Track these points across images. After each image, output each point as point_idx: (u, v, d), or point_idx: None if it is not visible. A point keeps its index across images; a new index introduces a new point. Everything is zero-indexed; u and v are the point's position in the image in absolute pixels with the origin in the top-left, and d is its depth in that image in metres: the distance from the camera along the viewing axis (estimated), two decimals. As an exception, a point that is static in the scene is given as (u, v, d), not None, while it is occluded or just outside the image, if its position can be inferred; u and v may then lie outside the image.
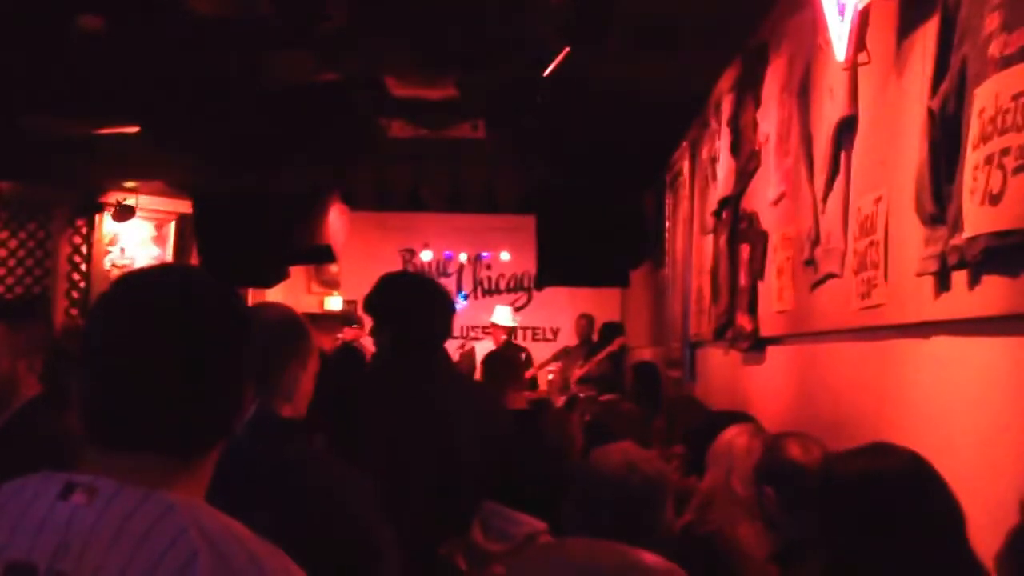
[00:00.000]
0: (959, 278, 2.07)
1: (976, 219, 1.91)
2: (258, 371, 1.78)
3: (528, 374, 8.43)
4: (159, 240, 9.37)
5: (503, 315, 9.14)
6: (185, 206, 8.87)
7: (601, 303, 9.58)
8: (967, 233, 1.95)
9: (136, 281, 1.16)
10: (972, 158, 1.94)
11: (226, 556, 0.99)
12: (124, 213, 8.79)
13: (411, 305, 2.79)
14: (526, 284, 10.51)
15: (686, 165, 6.20)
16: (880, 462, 1.70)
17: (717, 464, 2.70)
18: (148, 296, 1.12)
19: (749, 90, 4.35)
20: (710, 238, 5.24)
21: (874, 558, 1.61)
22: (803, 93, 3.43)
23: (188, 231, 9.02)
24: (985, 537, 1.60)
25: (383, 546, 1.81)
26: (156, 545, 0.97)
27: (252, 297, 8.62)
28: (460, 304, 9.95)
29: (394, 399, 2.72)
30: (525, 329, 10.38)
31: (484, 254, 10.76)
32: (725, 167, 4.82)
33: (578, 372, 8.30)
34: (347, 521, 1.77)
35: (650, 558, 1.15)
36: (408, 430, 2.65)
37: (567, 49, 4.48)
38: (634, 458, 1.98)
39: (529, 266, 9.47)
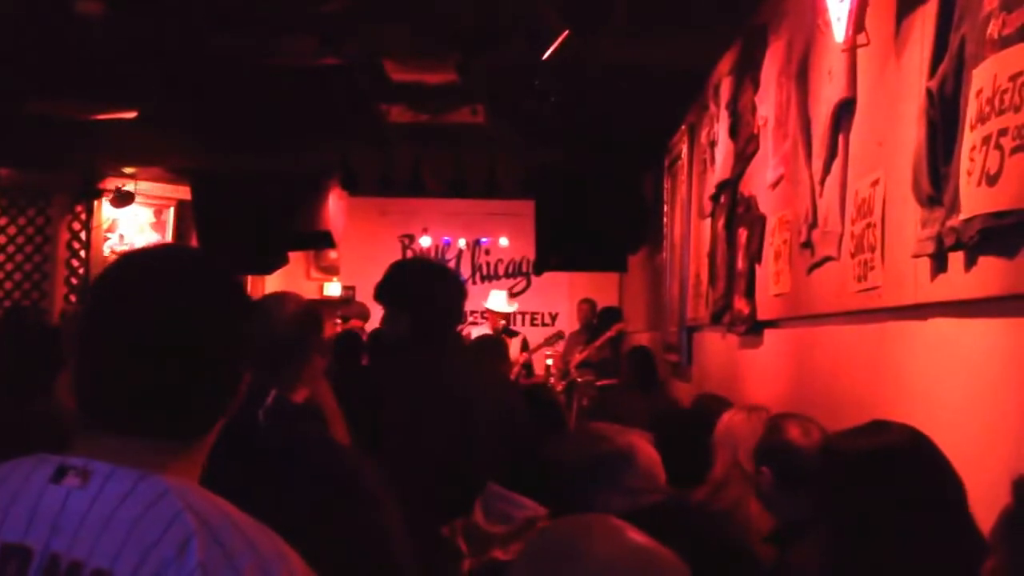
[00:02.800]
0: (956, 259, 2.07)
1: (973, 200, 1.91)
2: (279, 361, 1.82)
3: (523, 359, 8.46)
4: (158, 226, 9.36)
5: (498, 300, 9.14)
6: (184, 192, 8.86)
7: (599, 288, 9.58)
8: (964, 214, 1.95)
9: (134, 261, 1.15)
10: (970, 139, 1.94)
11: (221, 539, 0.98)
12: (123, 199, 8.78)
13: (427, 289, 2.81)
14: (525, 269, 10.52)
15: (684, 149, 6.18)
16: (880, 438, 1.72)
17: (723, 447, 2.71)
18: (146, 277, 1.11)
19: (748, 73, 4.34)
20: (708, 222, 5.23)
21: (881, 534, 1.62)
22: (802, 75, 3.42)
23: (187, 217, 9.01)
24: (980, 518, 1.61)
25: (392, 528, 1.83)
26: (151, 528, 0.97)
27: (252, 284, 8.63)
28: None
29: (413, 383, 2.74)
30: (524, 314, 10.39)
31: (483, 239, 10.76)
32: (723, 151, 4.82)
33: (578, 357, 8.31)
34: (357, 502, 1.79)
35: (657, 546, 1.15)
36: (427, 413, 2.67)
37: (567, 32, 4.47)
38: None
39: (528, 251, 9.46)
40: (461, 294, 2.90)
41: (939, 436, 1.78)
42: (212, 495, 1.04)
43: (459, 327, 3.00)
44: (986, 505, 1.61)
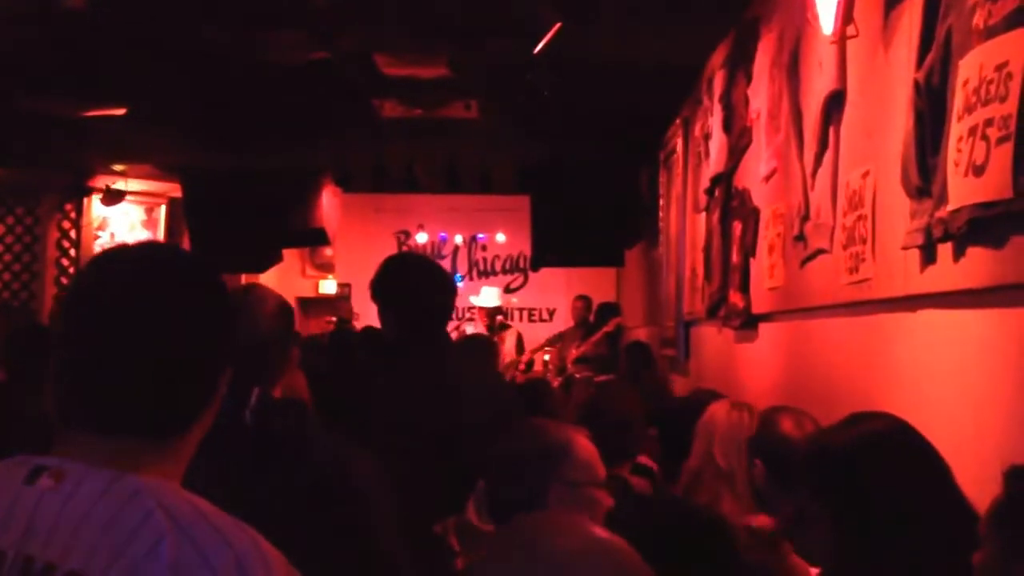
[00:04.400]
0: (944, 250, 2.07)
1: (960, 191, 1.90)
2: (264, 360, 1.82)
3: (524, 358, 8.44)
4: (149, 224, 9.30)
5: (487, 296, 9.06)
6: (176, 189, 8.81)
7: (596, 283, 9.57)
8: (952, 205, 1.95)
9: (109, 259, 1.14)
10: (956, 129, 1.93)
11: (194, 537, 0.97)
12: (112, 197, 8.72)
13: (412, 286, 2.80)
14: (522, 265, 10.50)
15: (679, 143, 6.18)
16: (866, 427, 1.74)
17: (700, 438, 2.72)
18: (119, 274, 1.10)
19: (741, 66, 4.33)
20: (703, 216, 5.23)
21: (882, 521, 1.63)
22: (793, 68, 3.41)
23: (179, 215, 8.96)
24: (970, 507, 1.62)
25: (384, 519, 1.82)
26: (122, 529, 0.96)
27: (246, 281, 8.61)
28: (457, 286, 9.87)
29: (404, 380, 2.74)
30: (521, 310, 10.36)
31: (480, 235, 10.74)
32: (717, 144, 4.81)
33: (574, 353, 8.30)
34: (349, 493, 1.78)
35: (606, 535, 1.16)
36: (419, 410, 2.66)
37: (558, 25, 4.46)
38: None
39: (524, 247, 9.45)
40: (448, 290, 2.89)
41: (929, 426, 1.78)
42: (188, 494, 1.03)
43: (450, 324, 2.99)
44: (976, 495, 1.61)
